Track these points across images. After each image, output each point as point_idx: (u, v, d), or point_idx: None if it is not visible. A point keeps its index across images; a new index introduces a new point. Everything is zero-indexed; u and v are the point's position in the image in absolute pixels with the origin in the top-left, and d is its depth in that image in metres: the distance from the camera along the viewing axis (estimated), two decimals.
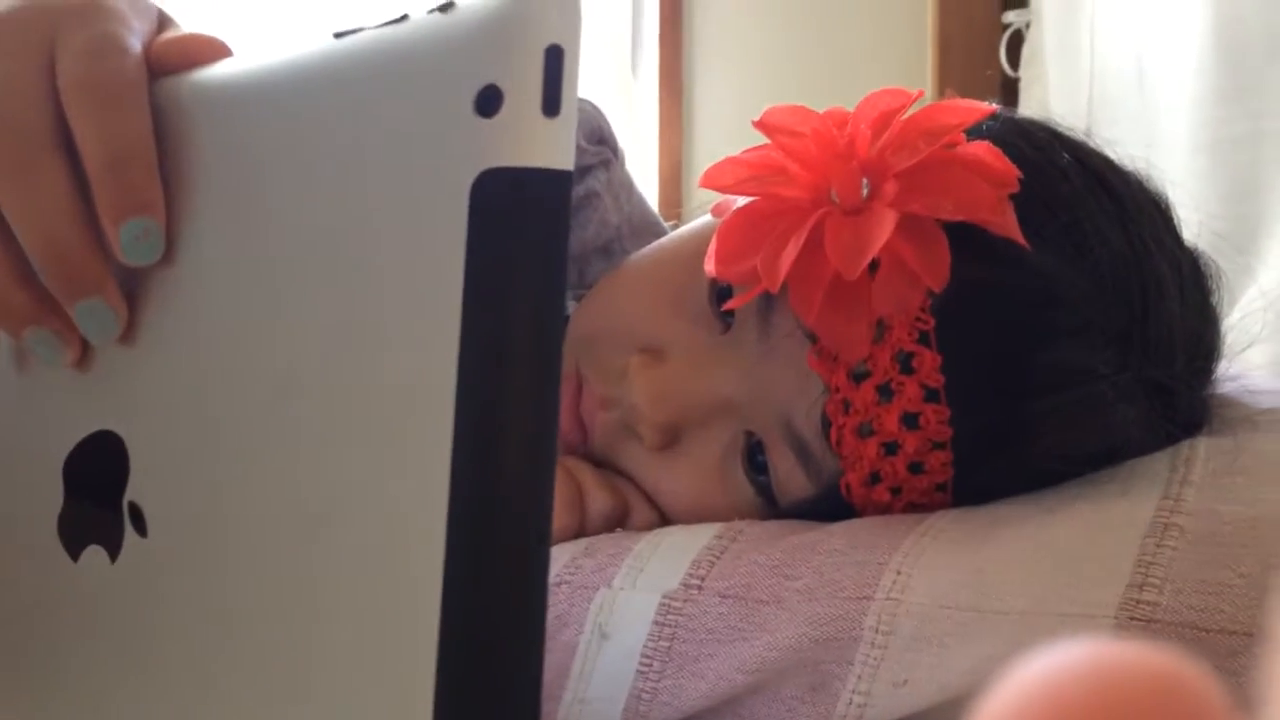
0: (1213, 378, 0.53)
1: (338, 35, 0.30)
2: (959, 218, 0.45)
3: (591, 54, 1.82)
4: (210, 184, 0.33)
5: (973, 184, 0.46)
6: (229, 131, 0.33)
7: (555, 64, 0.26)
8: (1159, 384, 0.48)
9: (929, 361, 0.45)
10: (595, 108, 0.65)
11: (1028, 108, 1.62)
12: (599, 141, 0.65)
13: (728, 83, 1.85)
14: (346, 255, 0.29)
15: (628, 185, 0.67)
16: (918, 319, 0.45)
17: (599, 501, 0.51)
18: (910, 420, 0.46)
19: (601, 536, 0.50)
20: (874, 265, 0.45)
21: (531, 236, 0.26)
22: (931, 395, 0.46)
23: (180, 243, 0.34)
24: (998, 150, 0.47)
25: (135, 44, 0.36)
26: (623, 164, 0.68)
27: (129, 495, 0.34)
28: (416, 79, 0.27)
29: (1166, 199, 0.53)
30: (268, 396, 0.31)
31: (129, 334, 0.35)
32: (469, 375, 0.25)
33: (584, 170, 0.64)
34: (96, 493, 0.35)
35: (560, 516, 0.50)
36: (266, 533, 0.30)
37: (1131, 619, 0.41)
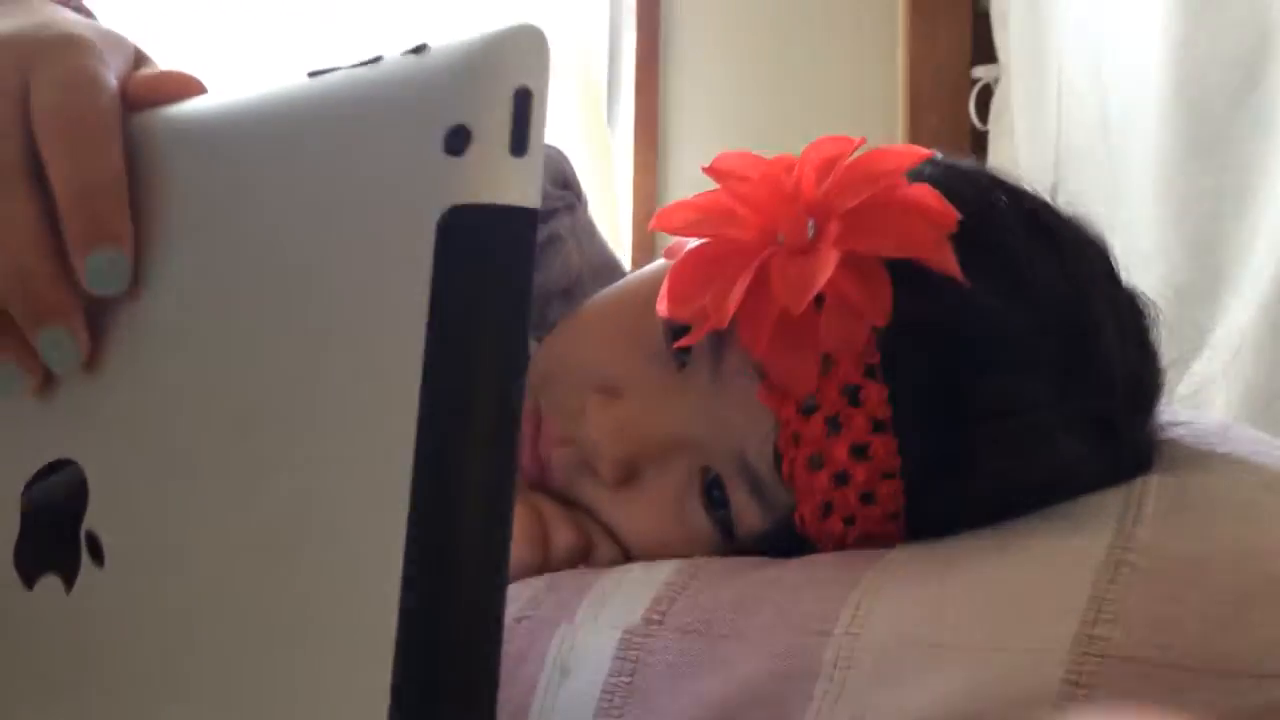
0: (1155, 413, 0.54)
1: (312, 74, 0.31)
2: (900, 255, 0.47)
3: (568, 101, 1.84)
4: (180, 217, 0.34)
5: (913, 224, 0.47)
6: (201, 166, 0.34)
7: (524, 105, 0.26)
8: (1100, 416, 0.50)
9: (875, 394, 0.47)
10: (561, 153, 0.67)
11: (996, 160, 1.65)
12: (564, 186, 0.66)
13: (703, 133, 1.87)
14: (313, 290, 0.29)
15: (590, 230, 0.69)
16: (864, 353, 0.47)
17: (563, 537, 0.52)
18: (859, 451, 0.47)
19: (564, 573, 0.51)
20: (820, 302, 0.47)
21: (497, 272, 0.26)
22: (879, 426, 0.47)
23: (147, 274, 0.34)
24: (937, 193, 0.49)
25: (110, 79, 0.36)
26: (586, 208, 0.69)
27: (87, 524, 0.34)
28: (388, 118, 0.28)
29: (1104, 241, 0.55)
30: (229, 430, 0.31)
31: (92, 363, 0.35)
32: (431, 410, 0.26)
33: (549, 214, 0.65)
34: (54, 521, 0.35)
35: (524, 551, 0.51)
36: (224, 566, 0.30)
37: (1085, 654, 0.42)
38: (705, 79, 1.91)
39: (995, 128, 1.70)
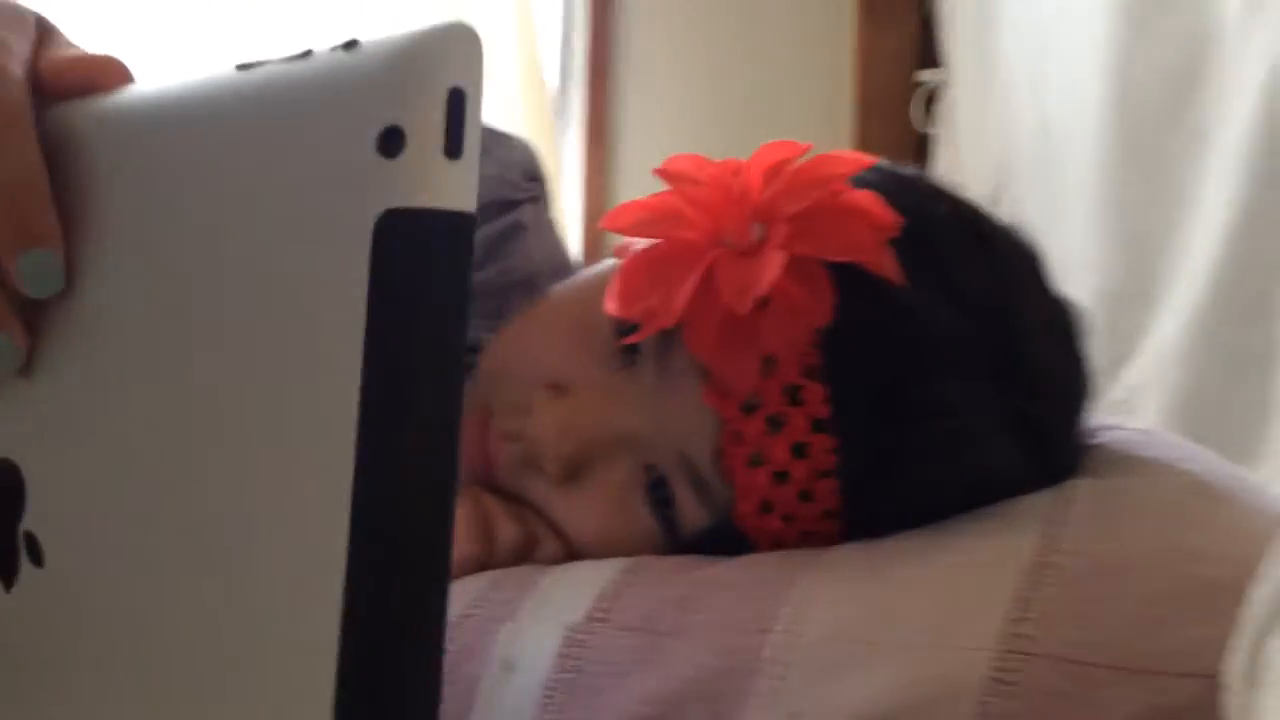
0: (1084, 417, 0.56)
1: (240, 67, 0.30)
2: (843, 259, 0.48)
3: (518, 101, 1.84)
4: (110, 214, 0.33)
5: (856, 228, 0.49)
6: (128, 162, 0.33)
7: (458, 106, 0.26)
8: (1030, 419, 0.51)
9: (816, 394, 0.48)
10: (529, 146, 0.67)
11: (941, 164, 1.67)
12: (531, 179, 0.66)
13: (653, 135, 1.88)
14: (247, 291, 0.29)
15: (552, 226, 0.69)
16: (805, 354, 0.48)
17: (507, 532, 0.53)
18: (799, 450, 0.48)
19: (509, 571, 0.51)
20: (764, 303, 0.48)
21: (434, 278, 0.26)
22: (819, 426, 0.48)
23: (80, 272, 0.33)
24: (879, 199, 0.50)
25: (15, 68, 0.34)
26: (549, 204, 0.70)
27: (25, 524, 0.34)
28: (319, 116, 0.28)
29: (1036, 250, 0.57)
30: (167, 430, 0.31)
31: (28, 363, 0.34)
32: (371, 415, 0.26)
33: (514, 203, 0.66)
34: None
35: (468, 545, 0.52)
36: (163, 566, 0.30)
37: (1010, 652, 0.43)
38: (657, 80, 1.92)
39: (940, 132, 1.73)
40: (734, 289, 0.48)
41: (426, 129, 0.26)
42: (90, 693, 0.32)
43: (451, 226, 0.26)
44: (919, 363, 0.49)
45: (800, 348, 0.48)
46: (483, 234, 0.64)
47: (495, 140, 0.65)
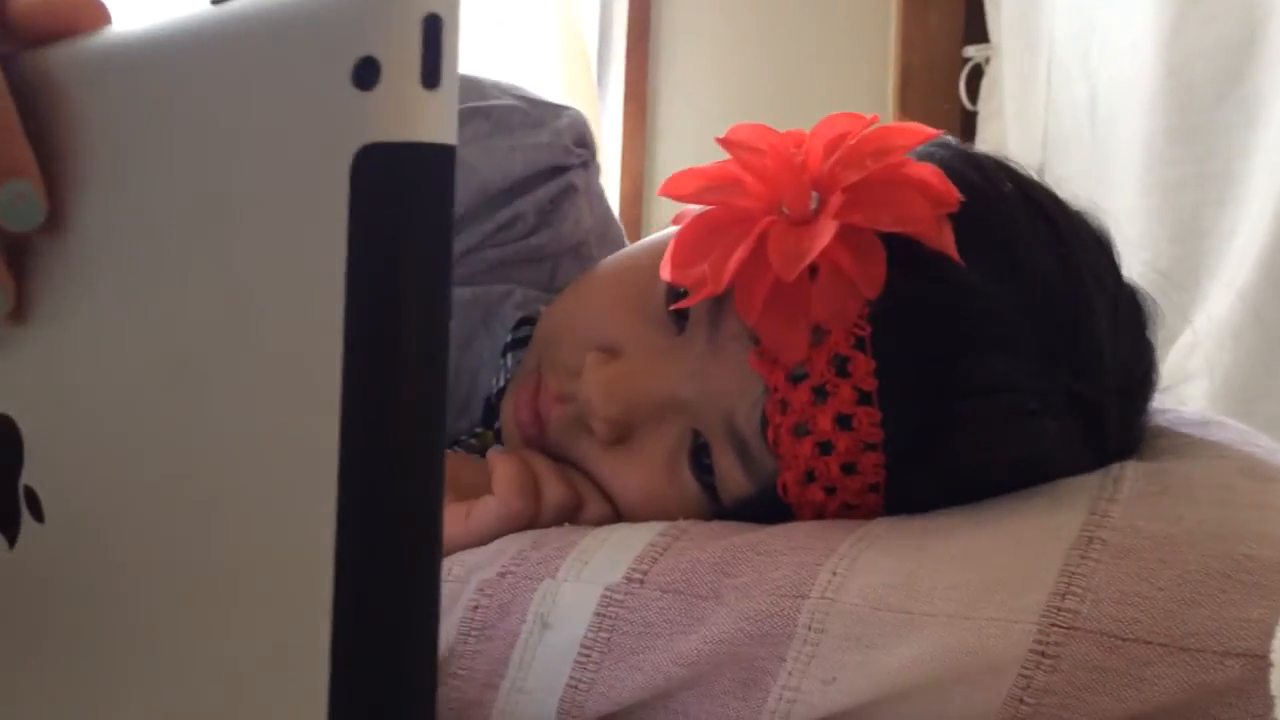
0: (1147, 408, 0.55)
1: (215, 1, 0.29)
2: (896, 230, 0.48)
3: (557, 66, 1.83)
4: (93, 158, 0.32)
5: (913, 200, 0.48)
6: (107, 103, 0.32)
7: (434, 34, 0.25)
8: (1084, 401, 0.50)
9: (863, 366, 0.48)
10: (581, 115, 0.67)
11: (985, 141, 1.66)
12: (581, 145, 0.67)
13: (692, 105, 1.87)
14: (229, 233, 0.29)
15: (601, 194, 0.69)
16: (855, 325, 0.48)
17: (553, 490, 0.53)
18: (844, 421, 0.48)
19: (550, 530, 0.51)
20: (815, 272, 0.48)
21: (415, 213, 0.25)
22: (864, 398, 0.48)
23: (67, 221, 0.33)
24: (941, 172, 0.49)
25: None
26: (599, 172, 0.70)
27: (24, 480, 0.33)
28: (294, 50, 0.27)
29: (1108, 235, 0.56)
30: (156, 377, 0.30)
31: (20, 313, 0.34)
32: (355, 353, 0.25)
33: (564, 168, 0.66)
34: None
35: (516, 501, 0.52)
36: (160, 516, 0.30)
37: (1053, 625, 0.43)
38: (696, 51, 1.91)
39: (985, 108, 1.71)
40: (783, 256, 0.47)
41: (402, 59, 0.25)
42: (97, 646, 0.32)
43: (432, 159, 0.25)
44: (970, 338, 0.48)
45: (851, 319, 0.48)
46: (534, 199, 0.64)
47: (548, 111, 0.65)
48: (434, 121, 0.25)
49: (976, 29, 1.74)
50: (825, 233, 0.47)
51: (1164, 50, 1.31)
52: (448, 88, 0.25)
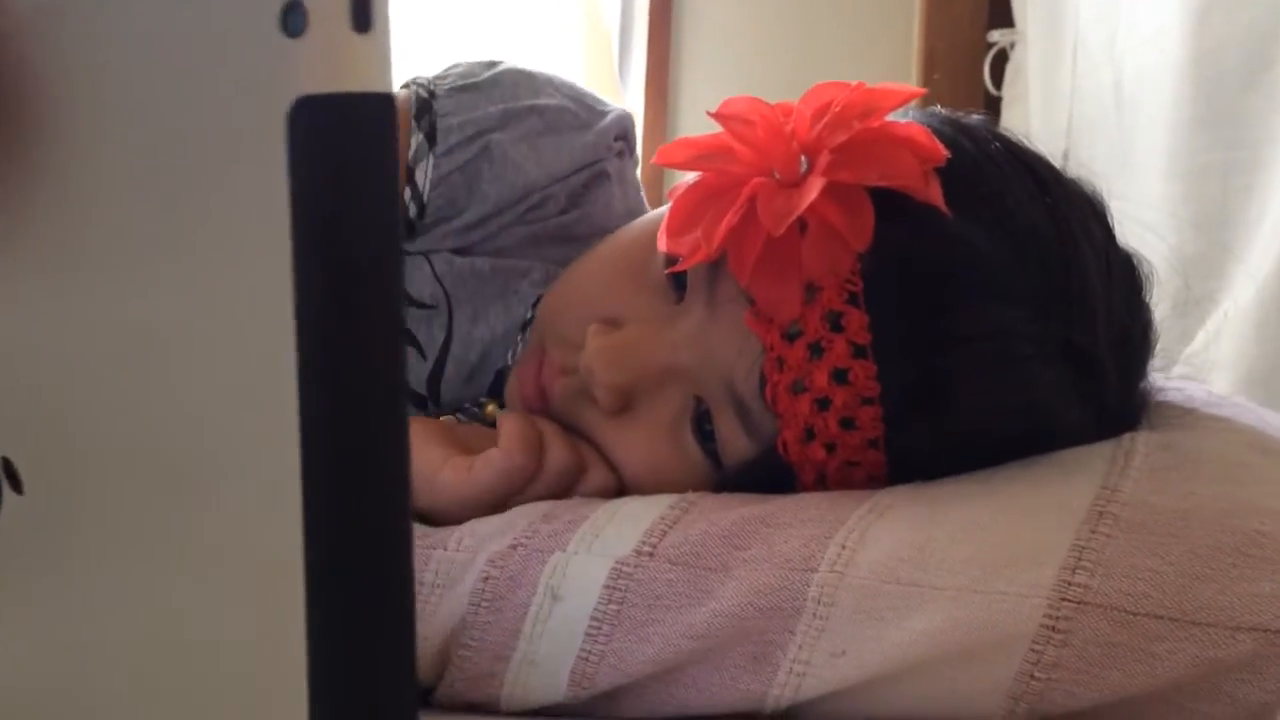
0: (1146, 370, 0.55)
1: None
2: (884, 184, 0.48)
3: (579, 49, 1.83)
4: (42, 113, 0.31)
5: (900, 156, 0.49)
6: (42, 55, 0.31)
7: None
8: (1079, 351, 0.50)
9: (856, 320, 0.48)
10: (627, 114, 0.68)
11: (1009, 126, 1.64)
12: (620, 138, 0.67)
13: (713, 93, 1.86)
14: (171, 194, 0.28)
15: (636, 185, 0.70)
16: (847, 281, 0.48)
17: (557, 451, 0.53)
18: (840, 376, 0.48)
19: (561, 503, 0.52)
20: (805, 229, 0.48)
21: (354, 166, 0.24)
22: (859, 352, 0.48)
23: (21, 187, 0.32)
24: (928, 130, 0.50)
25: None
26: (637, 165, 0.71)
27: (1, 451, 0.33)
28: None
29: (1101, 199, 0.56)
30: (116, 345, 0.30)
31: None
32: (307, 313, 0.25)
33: (599, 158, 0.66)
34: None
35: (519, 456, 0.52)
36: (133, 483, 0.30)
37: (1064, 600, 0.43)
38: (718, 38, 1.90)
39: (1009, 93, 1.70)
40: (772, 214, 0.48)
41: (330, 1, 0.24)
42: (82, 615, 0.32)
43: (369, 109, 0.24)
44: (959, 289, 0.49)
45: (843, 275, 0.48)
46: (568, 184, 0.65)
47: (596, 113, 0.66)
48: (368, 68, 0.24)
49: (1001, 13, 1.72)
50: (813, 189, 0.48)
51: (1191, 36, 1.29)
52: (380, 31, 0.24)
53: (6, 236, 0.33)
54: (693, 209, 0.51)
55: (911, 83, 1.78)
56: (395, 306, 0.25)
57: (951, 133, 0.52)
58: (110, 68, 0.29)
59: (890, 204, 0.48)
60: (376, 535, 0.25)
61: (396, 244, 0.25)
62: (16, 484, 0.33)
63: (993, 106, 1.70)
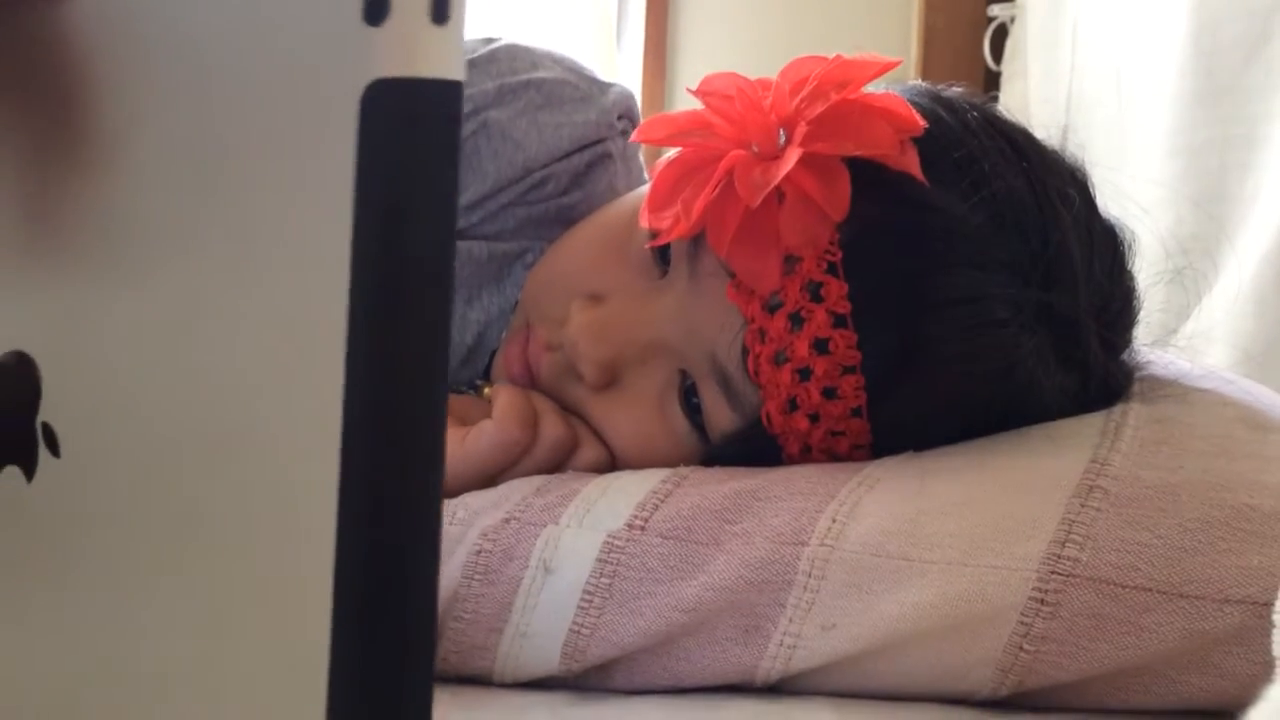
0: (1129, 337, 0.55)
1: None
2: (860, 154, 0.49)
3: (577, 27, 1.82)
4: (112, 102, 0.33)
5: (876, 126, 0.49)
6: (121, 46, 0.32)
7: None
8: (1059, 316, 0.51)
9: (836, 290, 0.48)
10: (628, 91, 0.68)
11: (1009, 101, 1.64)
12: (623, 118, 0.67)
13: (711, 67, 1.85)
14: (236, 170, 0.29)
15: (640, 165, 0.70)
16: (826, 251, 0.49)
17: (551, 426, 0.54)
18: (820, 345, 0.49)
19: (554, 477, 0.52)
20: (782, 198, 0.49)
21: (422, 149, 0.25)
22: (839, 321, 0.48)
23: (84, 161, 0.33)
24: (904, 100, 0.50)
25: None
26: (640, 145, 0.71)
27: (42, 415, 0.34)
28: None
29: (1083, 169, 0.56)
30: (169, 317, 0.31)
31: (40, 254, 0.35)
32: (362, 291, 0.25)
33: (603, 138, 0.66)
34: (9, 413, 0.35)
35: (513, 429, 0.53)
36: (172, 451, 0.31)
37: (1053, 573, 0.43)
38: (715, 11, 1.89)
39: (1009, 68, 1.69)
40: (749, 185, 0.48)
41: None
42: (112, 579, 0.32)
43: (440, 95, 0.25)
44: (936, 255, 0.49)
45: (821, 245, 0.49)
46: (570, 164, 0.65)
47: (596, 86, 0.66)
48: (443, 57, 0.25)
49: None
50: (789, 160, 0.48)
51: (1190, 13, 1.29)
52: (456, 23, 0.25)
53: (67, 216, 0.34)
54: (673, 184, 0.51)
55: (911, 56, 1.78)
56: (448, 288, 0.26)
57: (929, 103, 0.52)
58: (192, 46, 0.30)
59: (867, 174, 0.48)
60: (409, 519, 0.26)
61: (453, 225, 0.26)
62: (55, 448, 0.34)
63: (992, 82, 1.69)
